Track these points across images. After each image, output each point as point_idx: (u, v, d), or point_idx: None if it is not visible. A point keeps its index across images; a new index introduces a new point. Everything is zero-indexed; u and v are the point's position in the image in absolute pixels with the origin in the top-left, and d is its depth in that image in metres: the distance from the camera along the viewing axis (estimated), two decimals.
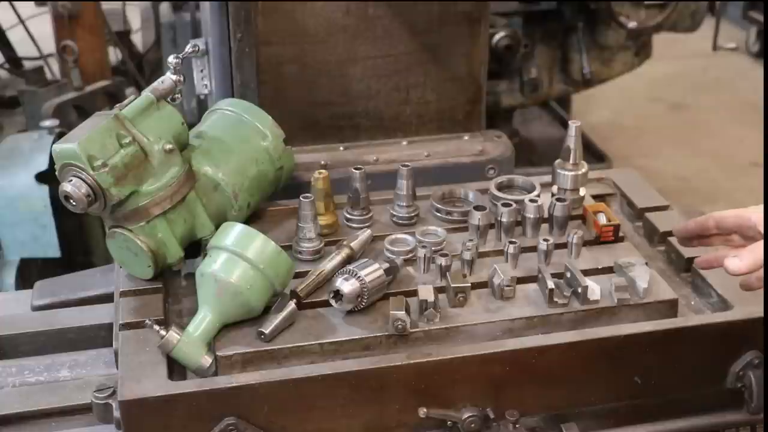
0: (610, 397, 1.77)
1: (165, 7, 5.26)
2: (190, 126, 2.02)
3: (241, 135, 2.08)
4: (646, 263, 1.88)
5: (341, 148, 2.58)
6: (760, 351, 1.77)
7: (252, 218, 2.08)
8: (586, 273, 1.85)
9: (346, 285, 1.73)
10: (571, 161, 2.12)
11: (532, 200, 2.03)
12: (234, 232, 1.76)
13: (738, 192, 5.40)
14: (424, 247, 1.91)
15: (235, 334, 1.74)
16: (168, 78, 1.92)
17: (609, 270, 1.91)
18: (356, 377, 1.64)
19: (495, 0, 3.83)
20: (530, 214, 2.01)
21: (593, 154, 5.04)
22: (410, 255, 1.94)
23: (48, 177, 3.44)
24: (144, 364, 1.66)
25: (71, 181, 1.74)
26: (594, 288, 1.79)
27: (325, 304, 1.78)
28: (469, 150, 2.60)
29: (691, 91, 6.98)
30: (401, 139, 2.62)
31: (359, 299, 1.75)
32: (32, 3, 6.35)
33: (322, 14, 2.44)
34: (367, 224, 2.09)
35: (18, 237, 3.52)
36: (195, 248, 1.95)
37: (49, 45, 4.92)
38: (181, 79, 1.93)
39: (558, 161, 2.14)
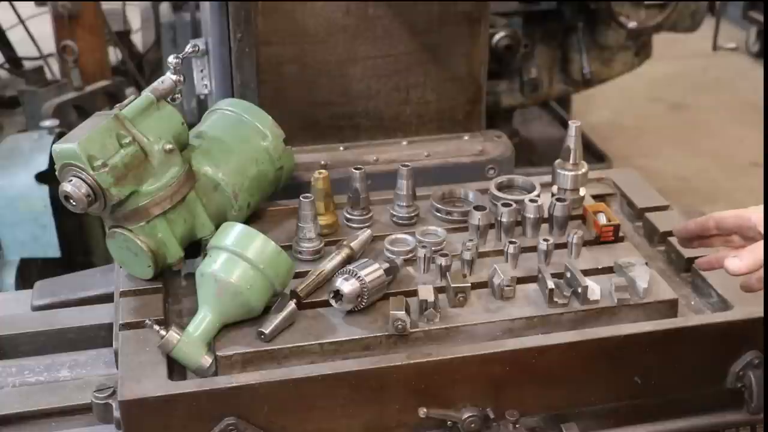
0: (610, 397, 1.77)
1: (165, 7, 5.26)
2: (190, 126, 2.02)
3: (241, 135, 2.08)
4: (646, 263, 1.88)
5: (341, 148, 2.58)
6: (760, 351, 1.77)
7: (252, 218, 2.08)
8: (586, 273, 1.85)
9: (346, 285, 1.73)
10: (571, 161, 2.12)
11: (532, 200, 2.03)
12: (234, 232, 1.76)
13: (738, 192, 5.41)
14: (424, 247, 1.91)
15: (235, 334, 1.74)
16: (168, 78, 1.92)
17: (609, 270, 1.91)
18: (356, 377, 1.64)
19: (495, 0, 3.83)
20: (530, 214, 2.01)
21: (593, 154, 5.05)
22: (410, 255, 1.94)
23: (48, 177, 3.44)
24: (144, 364, 1.66)
25: (71, 181, 1.74)
26: (594, 288, 1.79)
27: (325, 304, 1.78)
28: (469, 150, 2.60)
29: (691, 91, 6.98)
30: (401, 139, 2.62)
31: (359, 299, 1.75)
32: (32, 3, 6.35)
33: (322, 14, 2.44)
34: (367, 224, 2.09)
35: (18, 237, 3.52)
36: (195, 248, 1.95)
37: (49, 45, 4.92)
38: (181, 79, 1.93)
39: (558, 161, 2.14)
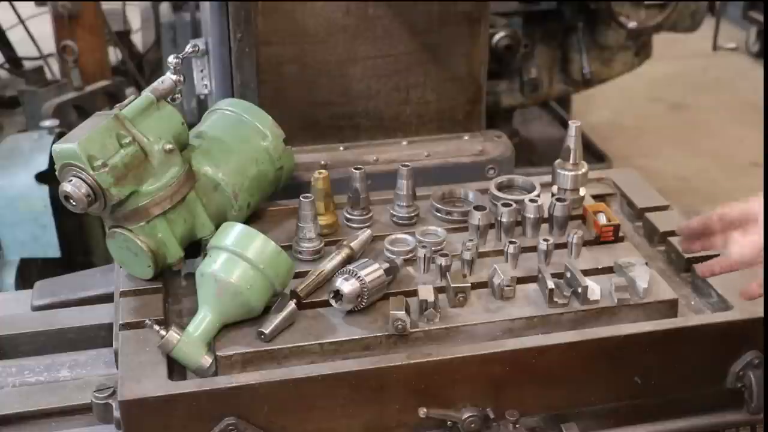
0: (610, 397, 1.77)
1: (165, 7, 5.26)
2: (190, 126, 2.02)
3: (241, 135, 2.08)
4: (646, 263, 1.88)
5: (341, 148, 2.58)
6: (760, 351, 1.77)
7: (252, 218, 2.08)
8: (586, 273, 1.85)
9: (346, 285, 1.73)
10: (571, 161, 2.12)
11: (532, 200, 2.03)
12: (234, 232, 1.76)
13: (738, 192, 5.36)
14: (424, 247, 1.91)
15: (235, 334, 1.74)
16: (168, 78, 1.92)
17: (609, 270, 1.91)
18: (356, 377, 1.64)
19: (495, 0, 3.83)
20: (530, 214, 2.01)
21: (593, 154, 5.04)
22: (410, 255, 1.94)
23: (48, 177, 3.44)
24: (144, 364, 1.66)
25: (71, 181, 1.74)
26: (594, 288, 1.79)
27: (325, 304, 1.78)
28: (469, 150, 2.60)
29: (691, 91, 6.98)
30: (401, 139, 2.62)
31: (359, 299, 1.75)
32: (32, 3, 6.34)
33: (322, 14, 2.44)
34: (367, 224, 2.09)
35: (18, 237, 3.51)
36: (195, 248, 1.95)
37: (49, 45, 4.92)
38: (181, 79, 1.93)
39: (558, 161, 2.14)
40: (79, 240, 3.81)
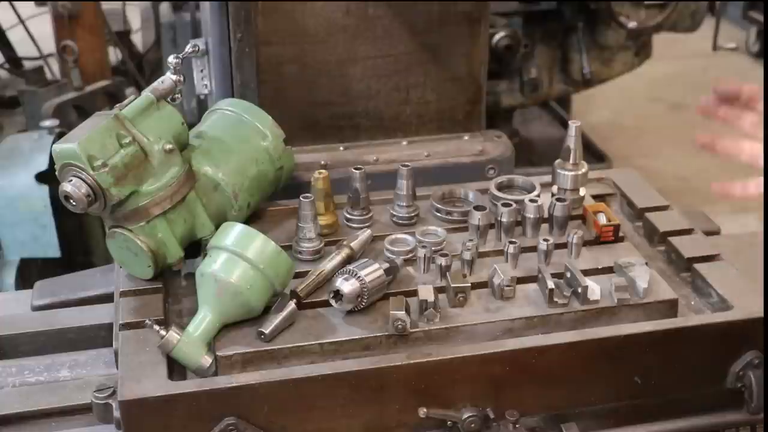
0: (610, 397, 1.76)
1: (165, 7, 5.26)
2: (190, 126, 2.02)
3: (241, 135, 2.08)
4: (646, 263, 1.88)
5: (341, 148, 2.58)
6: (760, 351, 1.77)
7: (252, 218, 2.08)
8: (586, 273, 1.85)
9: (346, 285, 1.73)
10: (571, 161, 2.12)
11: (532, 200, 2.03)
12: (234, 232, 1.76)
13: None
14: (424, 247, 1.91)
15: (235, 334, 1.74)
16: (168, 78, 1.92)
17: (609, 270, 1.91)
18: (356, 377, 1.64)
19: (495, 0, 3.83)
20: (530, 214, 2.01)
21: (593, 154, 5.05)
22: (410, 255, 1.94)
23: (48, 177, 3.44)
24: (144, 364, 1.66)
25: (71, 181, 1.74)
26: (594, 288, 1.79)
27: (325, 304, 1.78)
28: (469, 150, 2.60)
29: (691, 91, 6.96)
30: (401, 139, 2.62)
31: (359, 299, 1.75)
32: (32, 3, 6.35)
33: (322, 14, 2.44)
34: (367, 224, 2.09)
35: (18, 237, 3.52)
36: (195, 248, 1.95)
37: (49, 45, 4.92)
38: (181, 79, 1.93)
39: (558, 161, 2.14)
40: (79, 240, 3.81)
